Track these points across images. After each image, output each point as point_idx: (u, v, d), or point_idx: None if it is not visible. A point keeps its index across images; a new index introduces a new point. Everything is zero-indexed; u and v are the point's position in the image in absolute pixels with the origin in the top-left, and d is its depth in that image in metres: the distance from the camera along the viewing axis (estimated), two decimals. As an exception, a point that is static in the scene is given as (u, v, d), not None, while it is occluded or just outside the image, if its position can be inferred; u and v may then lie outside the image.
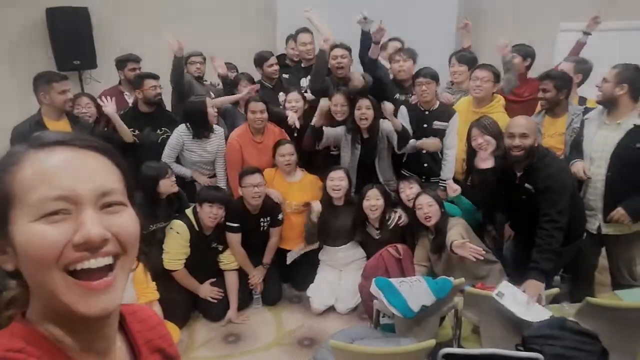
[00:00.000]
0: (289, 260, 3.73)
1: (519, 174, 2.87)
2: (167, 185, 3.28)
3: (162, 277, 3.15)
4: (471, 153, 3.12)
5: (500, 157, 2.92)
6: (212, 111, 3.67)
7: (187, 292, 3.39)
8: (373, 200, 3.36)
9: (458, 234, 2.89)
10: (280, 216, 3.62)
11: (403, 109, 3.69)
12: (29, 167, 0.61)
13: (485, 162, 2.94)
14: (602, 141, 2.92)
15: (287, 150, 3.62)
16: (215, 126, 3.78)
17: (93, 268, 0.61)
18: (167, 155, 3.68)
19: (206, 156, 3.77)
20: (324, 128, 3.61)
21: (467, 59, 3.95)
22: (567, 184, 2.76)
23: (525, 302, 2.44)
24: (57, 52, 5.15)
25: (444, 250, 3.01)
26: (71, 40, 5.15)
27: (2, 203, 0.61)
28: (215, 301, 3.42)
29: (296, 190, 3.71)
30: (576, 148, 3.11)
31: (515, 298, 2.44)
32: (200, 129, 3.66)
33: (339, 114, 3.65)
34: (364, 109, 3.50)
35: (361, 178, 3.65)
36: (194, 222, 3.32)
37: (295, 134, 3.82)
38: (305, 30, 4.14)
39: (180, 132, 3.69)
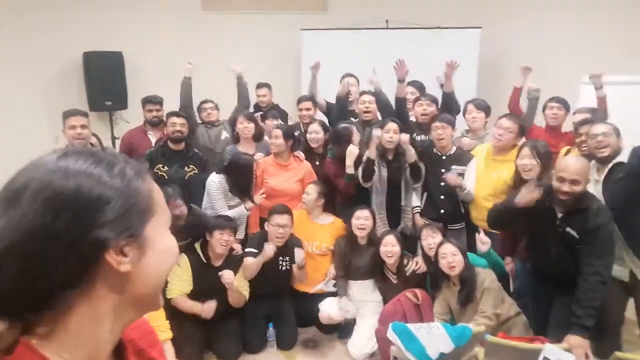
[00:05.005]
0: (312, 290, 3.63)
1: (559, 215, 2.65)
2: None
3: (175, 316, 3.12)
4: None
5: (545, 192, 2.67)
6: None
7: (201, 332, 3.35)
8: (389, 247, 3.37)
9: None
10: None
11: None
12: (154, 184, 0.67)
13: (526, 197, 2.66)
14: None
15: (312, 189, 3.69)
16: None
17: None
18: (220, 207, 3.70)
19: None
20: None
21: (484, 106, 3.93)
22: (613, 235, 2.62)
23: None
24: (91, 92, 5.39)
25: (471, 301, 2.96)
26: (105, 82, 5.39)
27: (145, 208, 0.63)
28: (229, 343, 3.36)
29: (323, 232, 3.72)
30: None
31: None
32: (240, 190, 3.69)
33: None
34: (392, 132, 3.64)
35: (391, 197, 3.74)
36: (201, 255, 3.31)
37: (317, 162, 3.99)
38: (350, 75, 4.37)
39: (218, 181, 3.71)
